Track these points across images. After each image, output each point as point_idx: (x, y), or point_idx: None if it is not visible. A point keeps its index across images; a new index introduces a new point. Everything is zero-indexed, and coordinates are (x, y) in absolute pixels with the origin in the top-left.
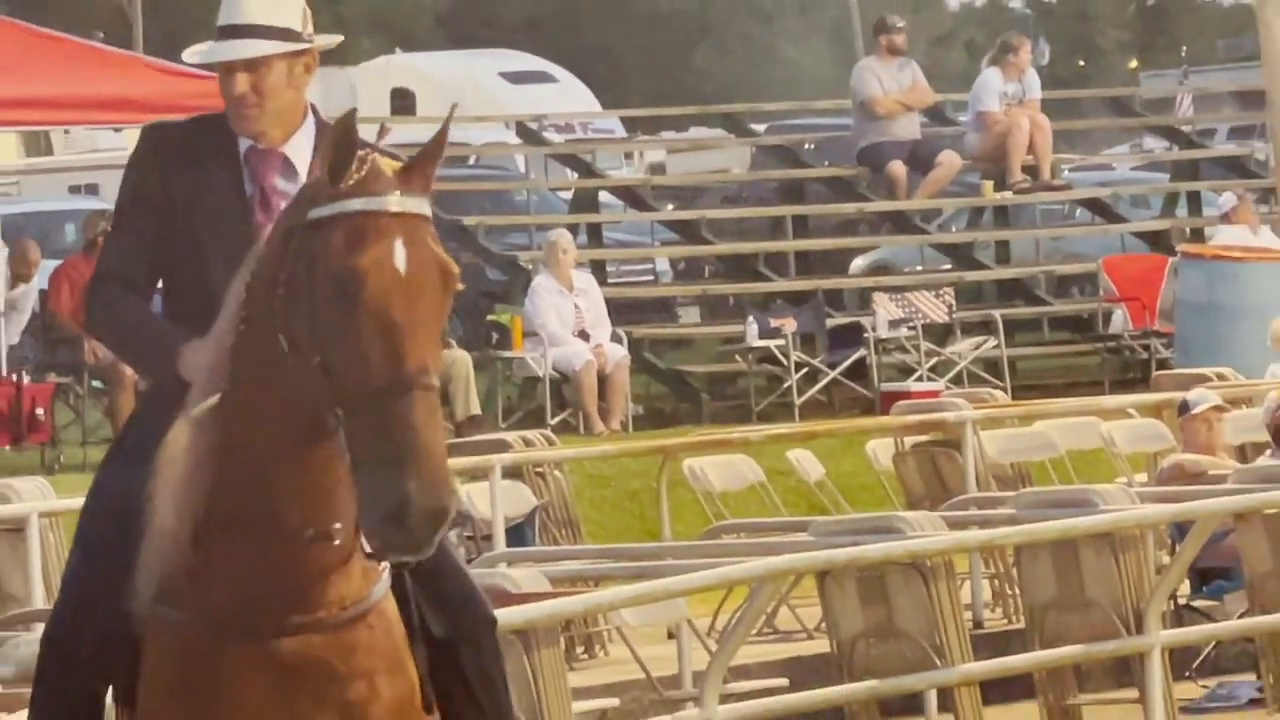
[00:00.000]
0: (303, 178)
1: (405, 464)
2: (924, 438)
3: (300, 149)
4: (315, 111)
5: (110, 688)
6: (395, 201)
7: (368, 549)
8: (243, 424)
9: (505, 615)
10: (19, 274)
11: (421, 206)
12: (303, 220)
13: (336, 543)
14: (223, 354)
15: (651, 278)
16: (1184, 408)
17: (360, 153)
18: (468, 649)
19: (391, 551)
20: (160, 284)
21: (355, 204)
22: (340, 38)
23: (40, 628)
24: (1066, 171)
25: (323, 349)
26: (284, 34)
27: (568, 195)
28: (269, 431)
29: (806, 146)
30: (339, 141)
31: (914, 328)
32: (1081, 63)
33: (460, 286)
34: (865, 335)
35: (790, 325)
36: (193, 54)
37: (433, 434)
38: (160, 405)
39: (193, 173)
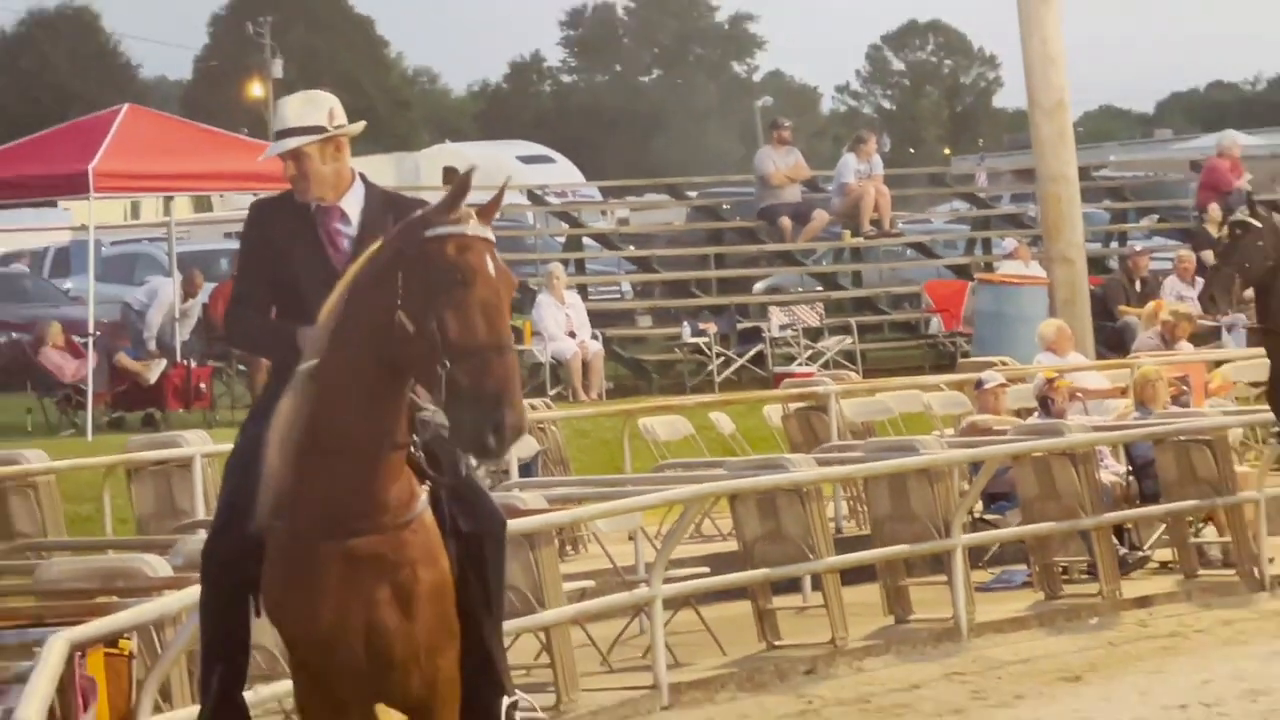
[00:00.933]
0: (355, 223)
1: (503, 399)
2: (802, 404)
3: (351, 204)
4: (363, 178)
5: (252, 586)
6: (484, 231)
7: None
8: (336, 379)
9: (517, 524)
10: (188, 292)
11: (492, 236)
12: (420, 237)
13: (412, 450)
14: (324, 334)
15: (619, 296)
16: (979, 384)
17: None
18: (490, 542)
19: (485, 459)
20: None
21: (460, 228)
22: (362, 124)
23: (202, 533)
24: (900, 224)
25: (439, 317)
26: (311, 130)
27: (562, 240)
28: (360, 382)
29: (724, 207)
30: (459, 188)
31: (796, 330)
32: (912, 150)
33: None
34: (763, 335)
35: (712, 328)
36: (264, 155)
37: (518, 379)
38: (281, 381)
39: (285, 228)
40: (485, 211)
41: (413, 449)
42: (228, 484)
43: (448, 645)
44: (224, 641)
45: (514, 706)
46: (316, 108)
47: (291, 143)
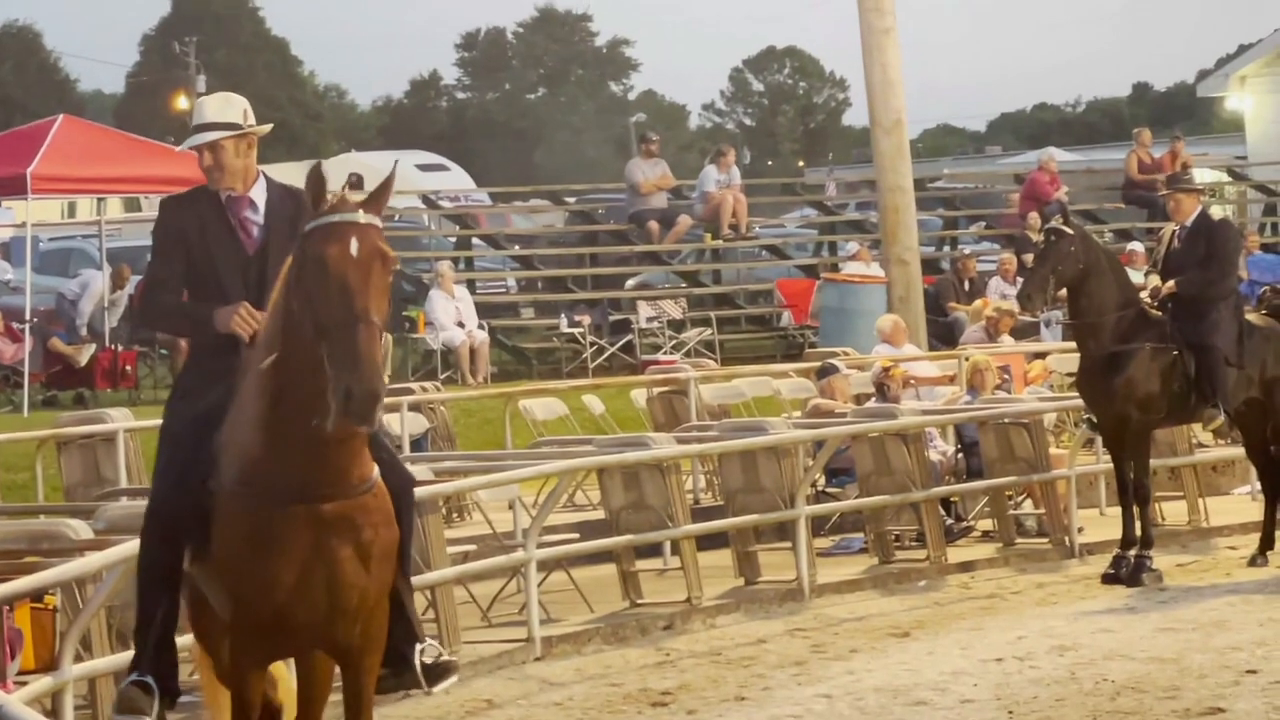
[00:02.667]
0: (262, 210)
1: (352, 366)
2: (666, 388)
3: (258, 194)
4: (265, 174)
5: (188, 545)
6: (357, 216)
7: (330, 426)
8: (292, 369)
9: None
10: (117, 284)
11: (373, 220)
12: (301, 233)
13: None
14: (275, 329)
15: (504, 290)
16: (823, 372)
17: (330, 190)
18: (401, 500)
19: (350, 422)
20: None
21: (329, 217)
22: (270, 125)
23: (124, 500)
24: (756, 228)
25: (311, 304)
26: (229, 126)
27: (454, 239)
28: (310, 371)
29: (599, 211)
30: (312, 182)
31: (662, 322)
32: (769, 162)
33: (397, 266)
34: (632, 326)
35: (587, 320)
36: (182, 146)
37: (370, 347)
38: (202, 359)
39: (197, 217)
40: (373, 199)
41: None
42: (166, 453)
43: (384, 598)
44: (164, 589)
45: (423, 652)
46: (233, 107)
47: (210, 136)
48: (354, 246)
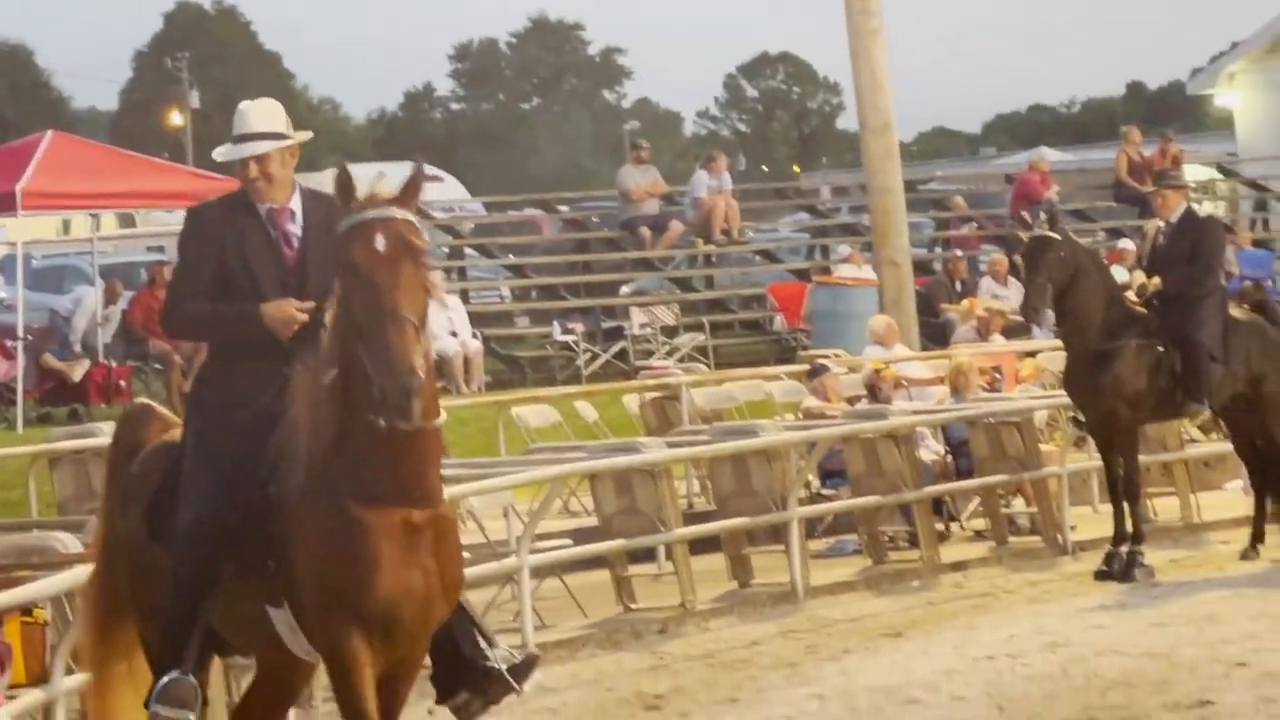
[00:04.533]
0: (301, 221)
1: (383, 362)
2: (658, 394)
3: (297, 205)
4: (299, 184)
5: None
6: (385, 211)
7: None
8: (355, 375)
9: None
10: (110, 300)
11: (404, 214)
12: (336, 235)
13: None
14: (335, 338)
15: (499, 299)
16: (814, 372)
17: (358, 189)
18: None
19: (388, 419)
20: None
21: (358, 215)
22: (310, 133)
23: None
24: (749, 233)
25: (348, 305)
26: (276, 136)
27: (446, 249)
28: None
29: (592, 219)
30: (339, 184)
31: (655, 328)
32: (765, 168)
33: (431, 261)
34: (625, 333)
35: (580, 328)
36: (220, 154)
37: (399, 342)
38: (233, 363)
39: (235, 228)
40: (403, 195)
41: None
42: (207, 460)
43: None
44: (205, 595)
45: (500, 658)
46: (276, 116)
47: (262, 146)
48: (380, 243)
